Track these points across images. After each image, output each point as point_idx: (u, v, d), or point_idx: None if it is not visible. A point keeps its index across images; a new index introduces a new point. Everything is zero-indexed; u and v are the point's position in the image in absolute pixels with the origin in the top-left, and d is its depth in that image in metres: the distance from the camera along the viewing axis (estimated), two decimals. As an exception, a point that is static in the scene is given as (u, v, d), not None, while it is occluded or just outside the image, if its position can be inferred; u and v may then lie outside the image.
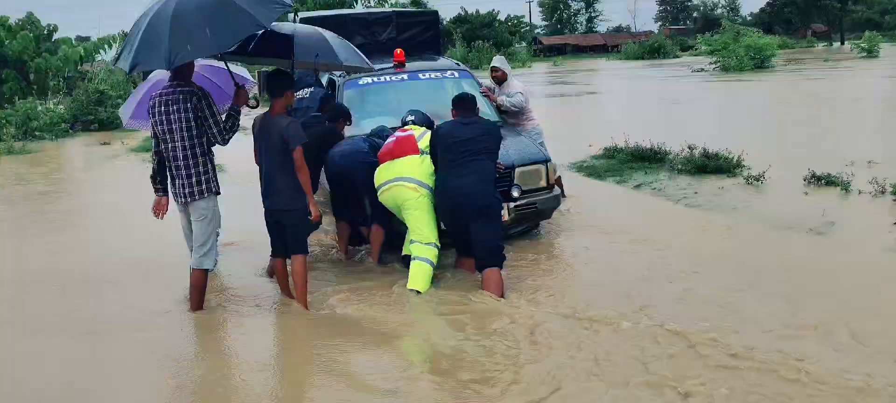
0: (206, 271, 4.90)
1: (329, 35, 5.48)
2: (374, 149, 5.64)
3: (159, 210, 5.02)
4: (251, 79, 6.01)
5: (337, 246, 6.23)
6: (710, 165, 8.62)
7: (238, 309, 5.09)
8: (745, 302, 4.73)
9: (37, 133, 16.33)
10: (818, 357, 3.86)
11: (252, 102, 5.12)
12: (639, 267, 5.57)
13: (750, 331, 4.22)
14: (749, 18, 77.51)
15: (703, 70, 30.25)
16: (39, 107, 17.49)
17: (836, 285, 5.01)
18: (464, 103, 5.44)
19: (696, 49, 43.87)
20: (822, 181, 7.68)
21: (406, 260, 5.42)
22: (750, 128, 12.76)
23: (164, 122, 4.69)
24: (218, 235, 5.00)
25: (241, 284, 5.56)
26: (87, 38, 27.88)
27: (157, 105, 4.73)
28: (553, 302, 4.87)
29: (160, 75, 5.38)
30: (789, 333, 4.21)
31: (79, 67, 23.27)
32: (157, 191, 4.97)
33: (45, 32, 23.30)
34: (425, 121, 5.73)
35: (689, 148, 9.14)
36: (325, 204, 6.01)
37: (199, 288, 4.92)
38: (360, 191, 5.70)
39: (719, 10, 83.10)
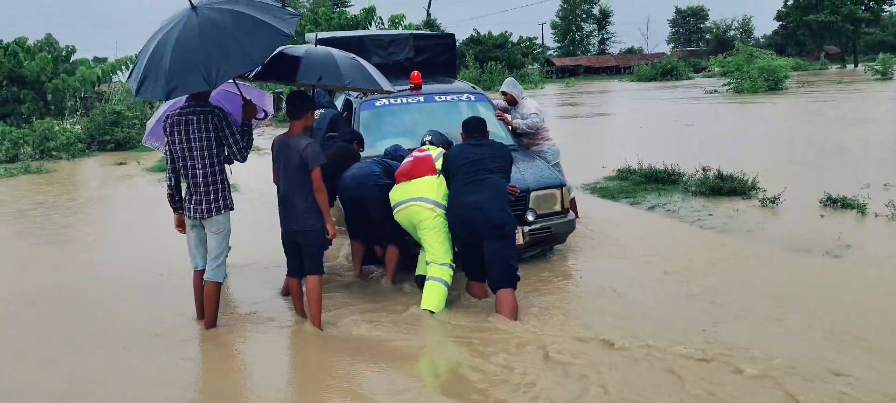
0: (219, 283, 4.97)
1: (340, 56, 5.50)
2: (387, 172, 5.66)
3: (182, 226, 5.10)
4: (268, 92, 6.06)
5: (351, 267, 6.24)
6: (725, 187, 8.59)
7: (252, 327, 5.11)
8: (762, 324, 4.70)
9: (54, 152, 16.53)
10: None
11: (260, 114, 5.15)
12: (653, 289, 5.55)
13: (769, 351, 4.19)
14: (762, 40, 77.47)
15: (716, 92, 30.21)
16: (56, 127, 17.72)
17: (857, 308, 4.96)
18: (472, 126, 5.52)
19: (709, 70, 43.83)
20: (838, 204, 7.65)
21: (420, 281, 5.43)
22: (764, 150, 12.70)
23: (183, 141, 4.76)
24: (229, 249, 5.06)
25: (255, 303, 5.58)
26: (104, 59, 28.33)
27: (175, 124, 4.79)
28: (567, 324, 4.85)
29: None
30: (817, 358, 4.17)
31: (96, 88, 23.55)
32: (176, 210, 5.04)
33: (64, 54, 23.65)
34: (443, 142, 5.76)
35: (703, 170, 9.12)
36: (339, 222, 6.03)
37: (213, 301, 4.98)
38: (373, 214, 5.71)
39: (732, 32, 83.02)
